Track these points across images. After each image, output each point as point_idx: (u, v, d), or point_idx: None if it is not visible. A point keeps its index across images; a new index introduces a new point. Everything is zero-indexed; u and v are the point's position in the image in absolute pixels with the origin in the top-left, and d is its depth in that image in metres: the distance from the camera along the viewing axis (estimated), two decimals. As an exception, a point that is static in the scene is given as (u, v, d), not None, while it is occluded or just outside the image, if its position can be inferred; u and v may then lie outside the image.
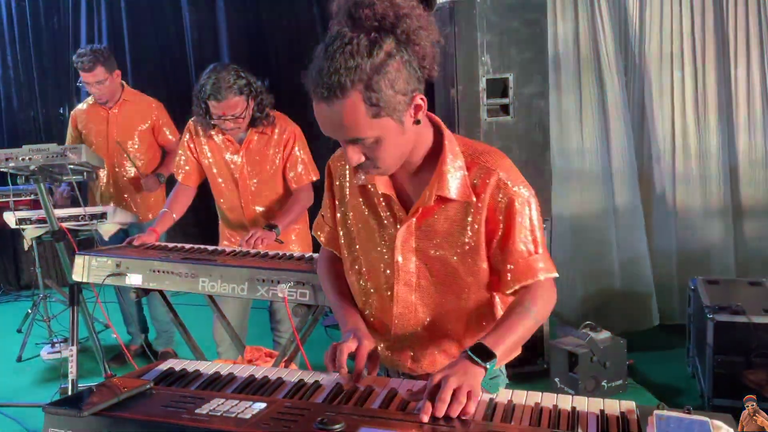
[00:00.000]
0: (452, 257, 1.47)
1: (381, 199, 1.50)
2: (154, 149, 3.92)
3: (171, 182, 3.21)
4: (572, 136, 4.16)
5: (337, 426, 1.16)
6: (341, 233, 1.61)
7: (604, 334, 3.29)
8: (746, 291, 3.42)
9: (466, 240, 1.45)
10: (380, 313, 1.57)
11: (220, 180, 2.95)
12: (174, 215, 2.92)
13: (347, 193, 1.57)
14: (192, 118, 2.89)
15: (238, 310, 2.99)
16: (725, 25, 4.19)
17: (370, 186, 1.50)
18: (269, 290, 2.20)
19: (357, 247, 1.58)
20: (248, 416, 1.22)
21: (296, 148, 2.91)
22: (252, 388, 1.41)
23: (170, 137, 3.91)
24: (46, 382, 3.87)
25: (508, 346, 1.33)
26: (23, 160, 2.76)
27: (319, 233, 1.70)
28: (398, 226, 1.48)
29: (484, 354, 1.29)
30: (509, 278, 1.44)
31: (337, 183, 1.59)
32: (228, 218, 3.03)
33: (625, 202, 4.19)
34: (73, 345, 2.82)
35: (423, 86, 1.35)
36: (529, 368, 3.49)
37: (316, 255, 2.32)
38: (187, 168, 2.96)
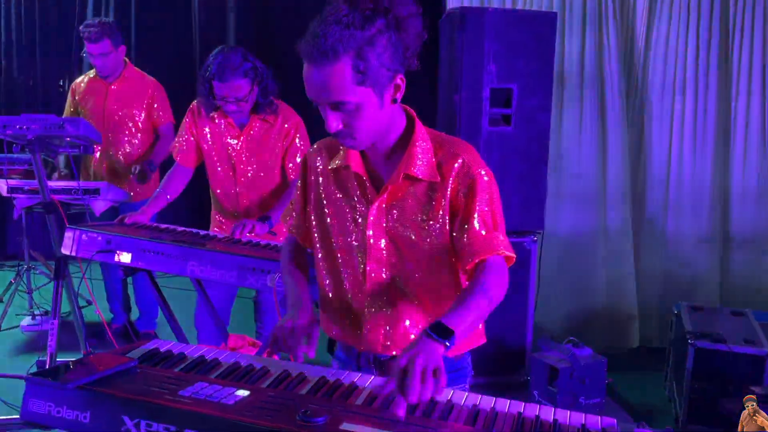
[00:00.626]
0: (420, 236, 1.55)
1: (355, 182, 1.57)
2: (150, 130, 3.90)
3: (168, 164, 3.19)
4: (570, 153, 4.17)
5: (319, 419, 1.16)
6: (315, 221, 1.66)
7: (586, 351, 3.31)
8: (729, 320, 3.44)
9: (432, 220, 1.53)
10: (354, 294, 1.62)
11: (217, 164, 2.93)
12: (168, 196, 2.90)
13: (321, 182, 1.64)
14: (195, 100, 2.88)
15: (223, 298, 2.98)
16: (730, 57, 4.23)
17: (343, 168, 1.58)
18: (258, 279, 2.20)
19: (331, 232, 1.63)
20: (231, 402, 1.22)
21: (297, 139, 2.90)
22: (236, 374, 1.41)
23: (161, 119, 3.86)
24: (23, 354, 3.83)
25: (465, 325, 1.38)
26: (20, 128, 2.73)
27: (286, 218, 1.78)
28: (370, 207, 1.55)
29: (443, 332, 1.32)
30: (468, 252, 1.50)
31: (312, 174, 1.66)
32: (221, 205, 3.01)
33: (616, 223, 4.21)
34: (55, 318, 2.80)
35: (404, 70, 1.46)
36: (510, 379, 3.49)
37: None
38: (185, 149, 2.95)
